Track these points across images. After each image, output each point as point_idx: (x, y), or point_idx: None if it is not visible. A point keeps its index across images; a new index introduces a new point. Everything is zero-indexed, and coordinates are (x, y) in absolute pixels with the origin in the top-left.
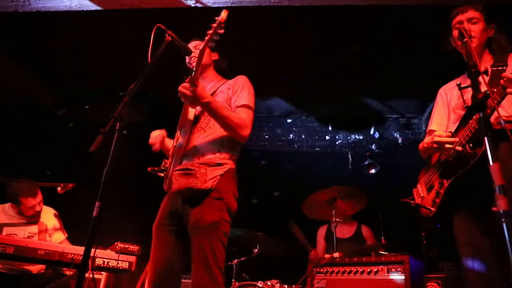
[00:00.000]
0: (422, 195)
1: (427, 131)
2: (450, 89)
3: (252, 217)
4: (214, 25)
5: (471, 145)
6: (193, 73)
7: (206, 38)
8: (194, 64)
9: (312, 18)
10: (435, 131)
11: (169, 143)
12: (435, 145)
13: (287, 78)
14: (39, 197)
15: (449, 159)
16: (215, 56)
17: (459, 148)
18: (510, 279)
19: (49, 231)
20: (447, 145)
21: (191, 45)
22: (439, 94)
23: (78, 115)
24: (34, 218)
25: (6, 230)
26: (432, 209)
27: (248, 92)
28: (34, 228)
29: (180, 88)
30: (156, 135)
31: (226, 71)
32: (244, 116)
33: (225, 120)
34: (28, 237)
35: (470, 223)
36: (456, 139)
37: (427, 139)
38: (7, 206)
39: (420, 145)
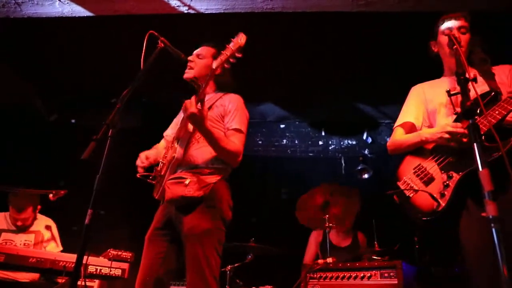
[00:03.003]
0: (416, 188)
1: (399, 123)
2: (430, 87)
3: (246, 223)
4: (233, 48)
5: (483, 137)
6: (200, 92)
7: (222, 58)
8: (187, 75)
9: (305, 24)
10: (413, 123)
11: (156, 155)
12: (447, 136)
13: (280, 84)
14: (28, 212)
15: (452, 151)
16: (217, 70)
17: None
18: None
19: (44, 242)
20: (463, 138)
21: (197, 51)
22: (414, 91)
23: (70, 121)
24: (26, 228)
25: (3, 236)
26: (442, 201)
27: (241, 114)
28: (30, 237)
29: (186, 101)
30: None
31: (226, 85)
32: (237, 142)
33: (221, 149)
34: (25, 244)
35: (477, 221)
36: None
37: (431, 130)
38: (7, 214)
39: (410, 139)
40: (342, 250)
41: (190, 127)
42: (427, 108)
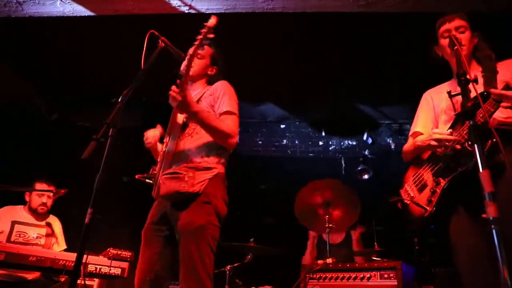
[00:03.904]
0: (412, 195)
1: (410, 133)
2: (436, 93)
3: (245, 222)
4: (204, 30)
5: (469, 143)
6: (183, 77)
7: (196, 43)
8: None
9: (305, 24)
10: (421, 133)
11: (160, 147)
12: (434, 143)
13: (280, 84)
14: (50, 193)
15: (442, 158)
16: (212, 71)
17: (457, 146)
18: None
19: (53, 239)
20: (447, 143)
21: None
22: (423, 98)
23: (71, 120)
24: (42, 217)
25: (17, 228)
26: (428, 208)
27: (230, 97)
28: (43, 231)
29: (170, 91)
30: (152, 135)
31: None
32: (229, 123)
33: (213, 130)
34: (37, 237)
35: (467, 224)
36: (456, 137)
37: (422, 137)
38: (20, 207)
39: (410, 146)
40: (335, 246)
41: (179, 119)
42: (435, 114)
